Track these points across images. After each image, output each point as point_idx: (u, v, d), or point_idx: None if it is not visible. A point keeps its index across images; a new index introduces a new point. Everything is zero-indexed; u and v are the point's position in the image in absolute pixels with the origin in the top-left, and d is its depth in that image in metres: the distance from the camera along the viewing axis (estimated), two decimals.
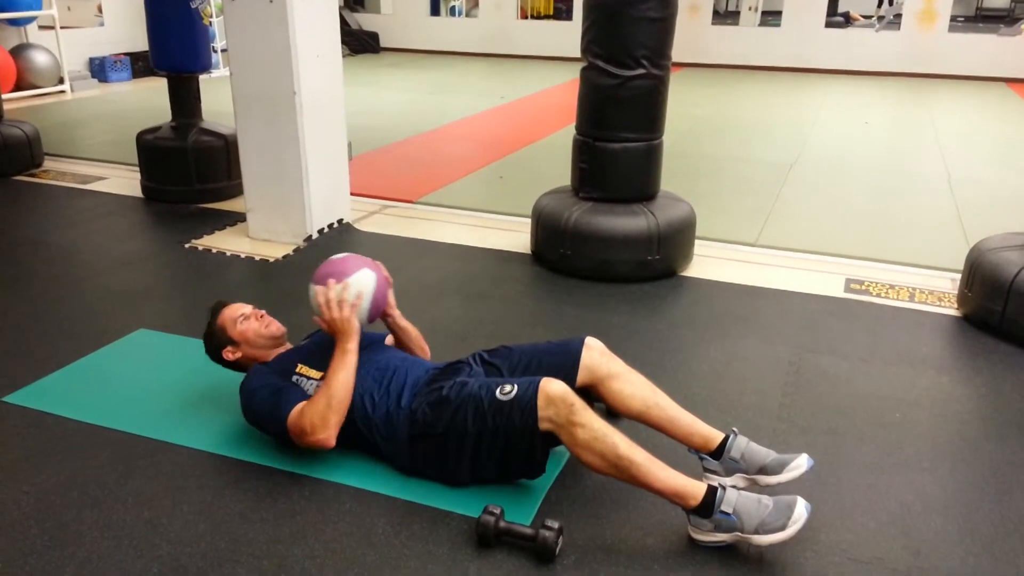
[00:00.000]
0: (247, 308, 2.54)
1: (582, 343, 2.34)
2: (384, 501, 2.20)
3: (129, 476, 2.30)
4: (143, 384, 2.83)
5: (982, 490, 2.32)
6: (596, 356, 2.30)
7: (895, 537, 2.11)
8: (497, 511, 2.02)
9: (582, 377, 2.28)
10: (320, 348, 2.41)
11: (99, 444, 2.45)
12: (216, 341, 2.52)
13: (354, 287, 2.32)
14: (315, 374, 2.34)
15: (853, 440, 2.54)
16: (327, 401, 2.20)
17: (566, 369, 2.28)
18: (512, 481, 2.25)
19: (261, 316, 2.53)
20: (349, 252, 2.45)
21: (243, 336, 2.48)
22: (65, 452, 2.42)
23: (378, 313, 2.45)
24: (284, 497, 2.21)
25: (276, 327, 2.53)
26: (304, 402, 2.24)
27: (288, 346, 2.56)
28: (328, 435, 2.19)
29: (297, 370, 2.37)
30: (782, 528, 1.93)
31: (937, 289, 3.77)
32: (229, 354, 2.51)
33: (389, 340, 2.63)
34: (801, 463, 2.15)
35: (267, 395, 2.30)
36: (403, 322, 2.59)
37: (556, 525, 1.98)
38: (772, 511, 1.95)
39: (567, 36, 12.35)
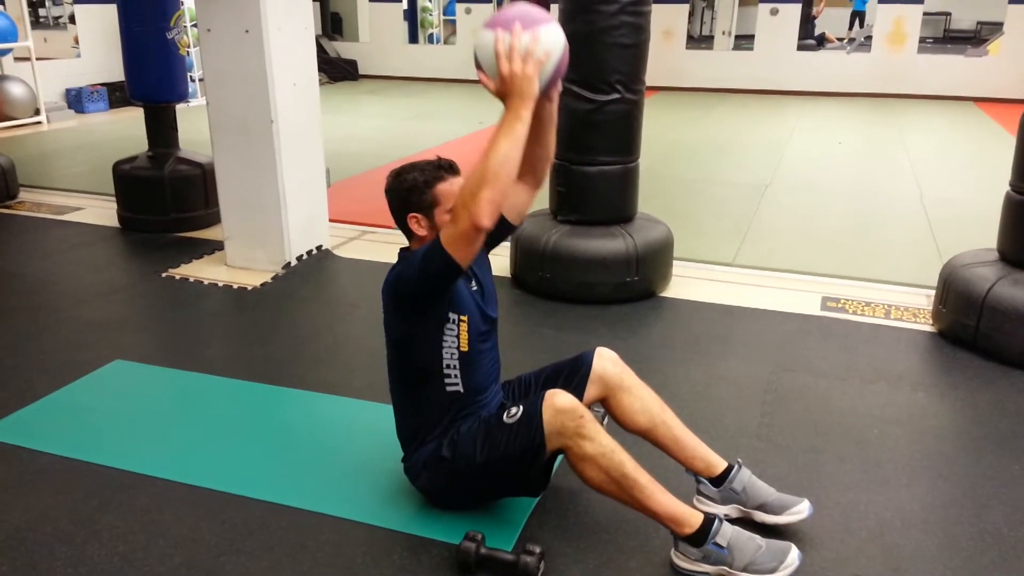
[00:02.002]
0: None
1: (594, 352, 2.28)
2: (364, 530, 2.18)
3: (104, 510, 2.26)
4: (119, 416, 2.79)
5: (960, 505, 2.33)
6: (608, 365, 2.25)
7: (875, 555, 2.11)
8: (478, 537, 2.00)
9: (594, 388, 2.24)
10: (484, 321, 2.16)
11: (73, 478, 2.41)
12: (417, 202, 2.04)
13: (544, 42, 1.87)
14: (465, 338, 2.09)
15: (832, 458, 2.55)
16: (481, 172, 1.81)
17: (579, 379, 2.23)
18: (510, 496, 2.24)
19: None
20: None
21: (443, 224, 2.01)
22: (38, 486, 2.37)
23: (554, 84, 1.99)
24: (262, 529, 2.19)
25: (475, 251, 1.98)
26: None
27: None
28: (478, 212, 1.80)
29: (460, 321, 2.07)
30: (772, 571, 1.93)
31: (912, 306, 3.81)
32: (415, 223, 2.07)
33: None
34: (803, 509, 2.15)
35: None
36: (555, 108, 2.12)
37: (537, 550, 1.97)
38: (765, 552, 1.95)
39: None
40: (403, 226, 2.13)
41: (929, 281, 3.83)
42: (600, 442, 1.97)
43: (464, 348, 2.12)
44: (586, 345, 2.37)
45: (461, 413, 2.17)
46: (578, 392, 2.19)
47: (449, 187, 2.06)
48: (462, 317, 2.10)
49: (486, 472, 2.10)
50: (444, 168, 2.09)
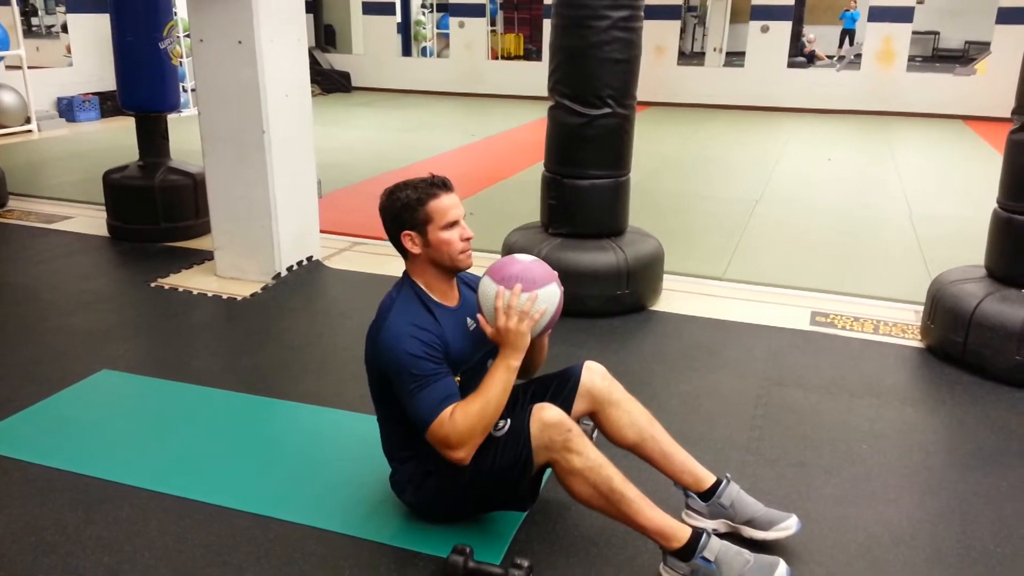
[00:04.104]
0: (462, 214, 2.10)
1: (582, 366, 2.28)
2: (351, 543, 2.16)
3: (89, 521, 2.24)
4: (105, 426, 2.78)
5: (948, 520, 2.34)
6: (597, 379, 2.25)
7: (864, 569, 2.11)
8: (466, 550, 1.99)
9: (582, 402, 2.23)
10: (479, 372, 2.12)
11: (59, 488, 2.39)
12: (410, 219, 2.06)
13: (541, 302, 2.04)
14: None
15: (821, 472, 2.56)
16: (479, 418, 1.97)
17: (566, 392, 2.23)
18: (495, 511, 2.23)
19: (467, 240, 2.10)
20: (524, 257, 2.14)
21: (437, 241, 2.06)
22: (24, 497, 2.35)
23: (546, 332, 2.17)
24: (249, 541, 2.17)
25: (469, 263, 2.14)
26: (455, 407, 1.98)
27: (456, 294, 2.20)
28: (468, 455, 1.99)
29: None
30: None
31: (901, 321, 3.83)
32: (408, 241, 2.08)
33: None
34: (791, 524, 2.15)
35: (421, 374, 1.98)
36: (547, 340, 2.31)
37: (526, 564, 1.95)
38: (753, 567, 1.94)
39: (536, 76, 12.54)
40: (397, 244, 2.13)
41: (918, 297, 3.85)
42: (588, 456, 1.97)
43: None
44: (576, 358, 2.37)
45: None
46: (566, 406, 2.18)
47: (442, 204, 2.06)
48: (456, 379, 2.09)
49: (473, 486, 2.09)
50: (437, 185, 2.09)
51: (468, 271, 2.20)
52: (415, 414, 2.00)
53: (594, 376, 2.26)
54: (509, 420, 2.07)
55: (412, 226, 2.07)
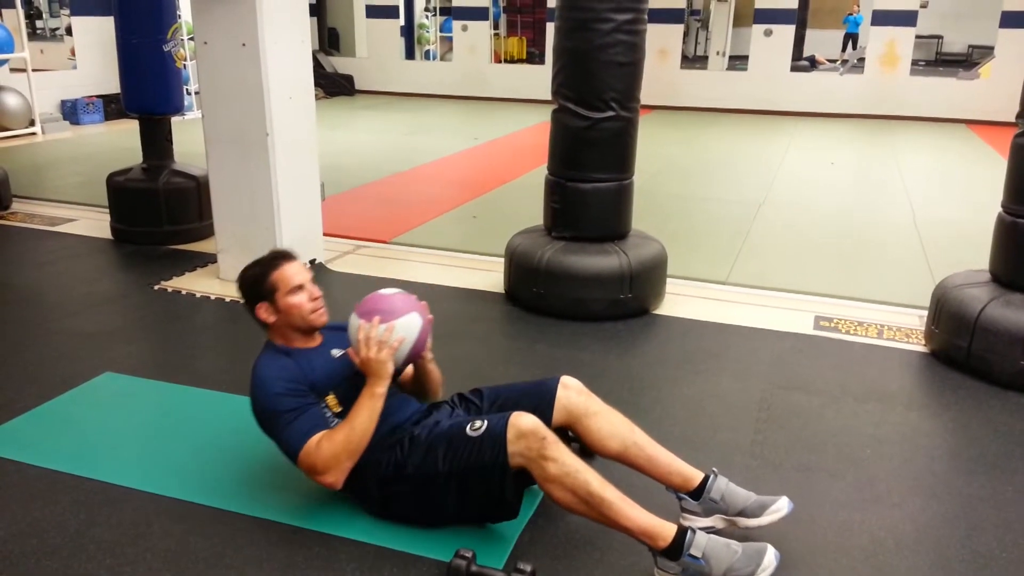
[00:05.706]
0: (307, 278, 2.32)
1: (558, 382, 2.31)
2: (353, 546, 2.16)
3: (92, 523, 2.24)
4: (108, 429, 2.78)
5: (953, 525, 2.33)
6: (573, 395, 2.28)
7: (868, 574, 2.10)
8: (469, 555, 1.99)
9: (558, 416, 2.26)
10: (354, 386, 2.20)
11: (61, 491, 2.39)
12: (259, 292, 2.29)
13: (398, 331, 2.19)
14: (337, 407, 2.22)
15: (825, 477, 2.55)
16: (344, 444, 2.09)
17: (542, 408, 2.25)
18: (484, 523, 2.22)
19: (316, 299, 2.32)
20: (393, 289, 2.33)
21: (287, 307, 2.27)
22: (26, 499, 2.35)
23: (413, 359, 2.33)
24: (250, 544, 2.17)
25: (323, 320, 2.34)
26: (321, 435, 2.11)
27: (318, 339, 2.38)
28: (337, 479, 2.12)
29: (324, 401, 2.22)
30: (751, 575, 1.93)
31: (905, 326, 3.82)
32: (263, 312, 2.30)
33: (408, 373, 2.49)
34: (782, 506, 2.15)
35: (285, 410, 2.14)
36: (432, 366, 2.46)
37: (529, 568, 1.95)
38: (741, 557, 1.94)
39: (540, 79, 12.54)
40: (254, 317, 2.33)
41: (922, 301, 3.84)
42: (563, 462, 1.99)
43: (337, 410, 2.22)
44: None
45: (379, 440, 2.18)
46: (543, 421, 2.18)
47: (284, 272, 2.29)
48: (326, 399, 2.22)
49: (449, 482, 2.11)
50: (278, 257, 2.33)
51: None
52: (286, 447, 2.15)
53: (570, 393, 2.30)
54: (487, 421, 2.11)
55: (263, 296, 2.29)
